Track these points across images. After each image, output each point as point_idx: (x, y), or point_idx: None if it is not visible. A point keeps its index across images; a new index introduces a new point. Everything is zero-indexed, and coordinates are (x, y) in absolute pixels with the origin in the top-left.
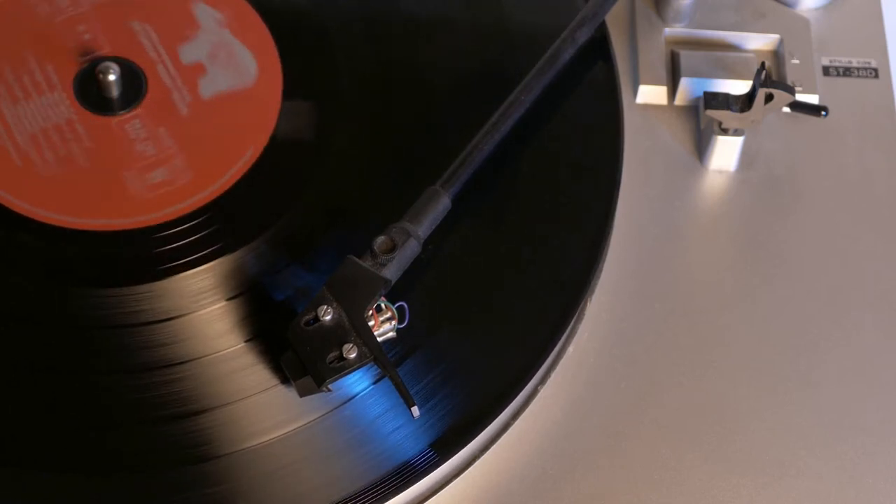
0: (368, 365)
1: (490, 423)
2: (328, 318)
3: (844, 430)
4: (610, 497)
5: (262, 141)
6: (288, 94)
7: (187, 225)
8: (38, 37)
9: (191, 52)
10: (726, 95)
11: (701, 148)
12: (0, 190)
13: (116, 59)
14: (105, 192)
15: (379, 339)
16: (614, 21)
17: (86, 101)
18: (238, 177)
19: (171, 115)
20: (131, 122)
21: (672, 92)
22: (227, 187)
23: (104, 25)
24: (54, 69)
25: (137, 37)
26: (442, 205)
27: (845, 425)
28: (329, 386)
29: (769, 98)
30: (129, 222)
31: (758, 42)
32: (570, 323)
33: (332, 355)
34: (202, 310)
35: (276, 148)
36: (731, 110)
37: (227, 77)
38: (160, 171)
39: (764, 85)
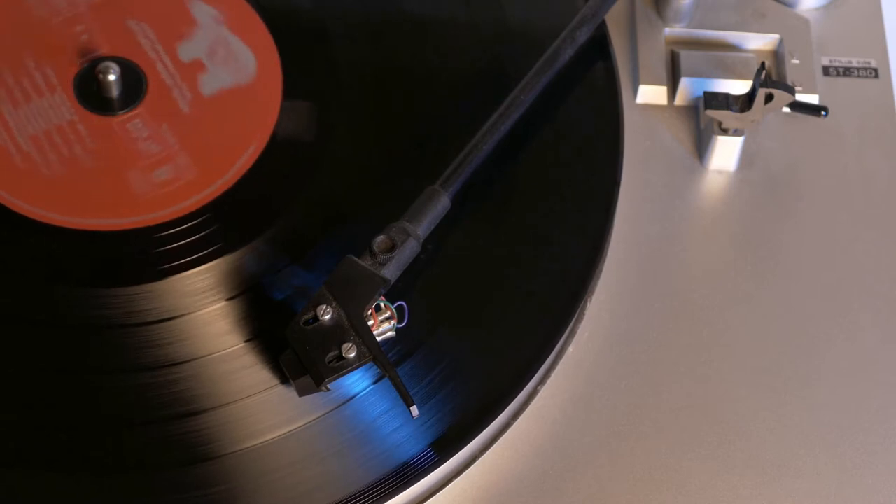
0: (368, 364)
1: (490, 423)
2: (327, 317)
3: (844, 429)
4: (610, 497)
5: (262, 141)
6: (288, 93)
7: (188, 224)
8: (36, 39)
9: (189, 50)
10: (726, 95)
11: (701, 148)
12: (1, 191)
13: (116, 59)
14: (108, 192)
15: (378, 339)
16: (614, 21)
17: (86, 101)
18: (238, 176)
19: (173, 113)
20: (133, 122)
21: (672, 92)
22: (227, 187)
23: (101, 25)
24: (53, 71)
25: (136, 36)
26: (441, 204)
27: (845, 425)
28: (328, 385)
29: (769, 98)
30: (129, 222)
31: (758, 42)
32: (570, 323)
33: (331, 355)
34: (202, 310)
35: (276, 148)
36: (731, 110)
37: (227, 74)
38: (164, 169)
39: (764, 85)
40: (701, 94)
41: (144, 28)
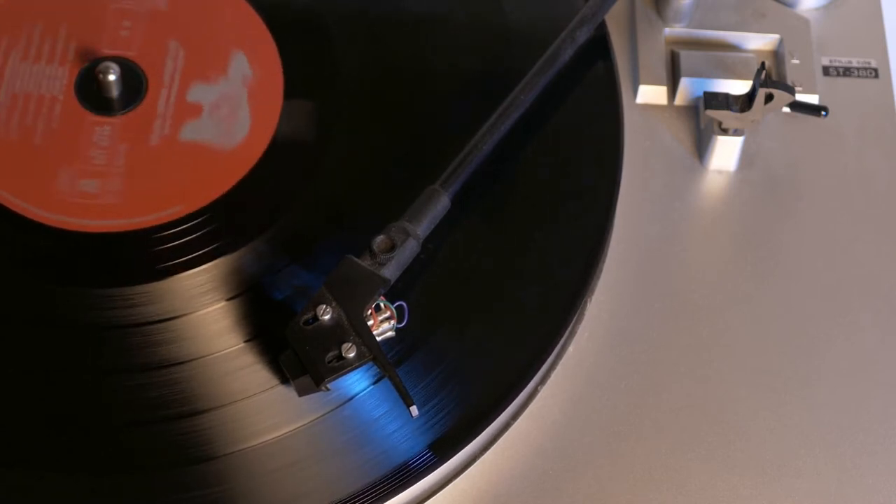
0: (367, 365)
1: (490, 423)
2: (327, 317)
3: (844, 429)
4: (610, 497)
5: (262, 141)
6: (288, 93)
7: (187, 225)
8: (83, 12)
9: (199, 93)
10: (726, 95)
11: (701, 148)
12: (4, 191)
13: (118, 60)
14: (35, 176)
15: (378, 339)
16: (614, 21)
17: (85, 100)
18: (238, 177)
19: (139, 139)
20: (102, 128)
21: (672, 92)
22: (227, 188)
23: (146, 31)
24: (75, 48)
25: (166, 56)
26: (441, 204)
27: (845, 425)
28: (328, 385)
29: (769, 98)
30: (128, 223)
31: (758, 42)
32: (570, 323)
33: (330, 355)
34: (202, 310)
35: (276, 147)
36: (731, 110)
37: (213, 132)
38: (94, 182)
39: (764, 85)
40: (701, 94)
41: (179, 54)
